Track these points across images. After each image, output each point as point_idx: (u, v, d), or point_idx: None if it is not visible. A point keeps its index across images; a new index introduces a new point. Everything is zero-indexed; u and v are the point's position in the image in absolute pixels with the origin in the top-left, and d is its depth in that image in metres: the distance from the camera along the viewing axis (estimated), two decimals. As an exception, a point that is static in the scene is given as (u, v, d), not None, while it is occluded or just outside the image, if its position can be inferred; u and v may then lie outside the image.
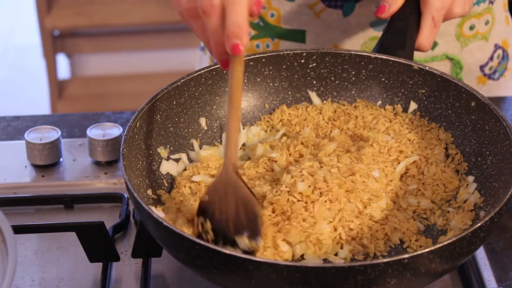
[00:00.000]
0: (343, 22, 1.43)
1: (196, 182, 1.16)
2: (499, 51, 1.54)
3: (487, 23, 1.49)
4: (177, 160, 1.21)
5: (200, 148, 1.23)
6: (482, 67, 1.53)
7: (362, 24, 1.43)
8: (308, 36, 1.46)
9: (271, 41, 1.48)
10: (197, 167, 1.19)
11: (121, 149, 1.09)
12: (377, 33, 1.44)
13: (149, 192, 1.14)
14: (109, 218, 1.25)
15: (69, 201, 1.28)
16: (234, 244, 1.04)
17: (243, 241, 1.04)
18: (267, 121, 1.27)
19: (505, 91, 1.60)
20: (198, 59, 1.69)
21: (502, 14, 1.53)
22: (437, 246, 0.96)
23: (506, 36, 1.55)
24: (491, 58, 1.53)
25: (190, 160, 1.22)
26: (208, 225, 1.05)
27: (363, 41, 1.45)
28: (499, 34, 1.53)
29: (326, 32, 1.44)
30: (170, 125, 1.21)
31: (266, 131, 1.27)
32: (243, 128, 1.27)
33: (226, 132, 1.06)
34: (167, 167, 1.19)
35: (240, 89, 1.06)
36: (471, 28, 1.48)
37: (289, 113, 1.27)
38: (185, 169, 1.20)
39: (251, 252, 1.04)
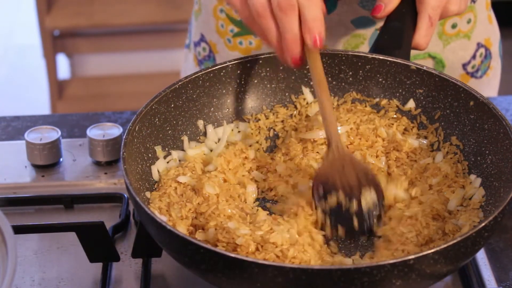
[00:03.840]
0: (325, 20, 1.43)
1: (182, 183, 1.16)
2: (482, 50, 1.54)
3: (469, 21, 1.50)
4: (168, 161, 1.20)
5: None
6: (464, 66, 1.53)
7: (344, 22, 1.43)
8: None
9: (254, 38, 1.48)
10: (183, 167, 1.19)
11: (121, 153, 1.09)
12: (359, 31, 1.44)
13: (148, 194, 1.14)
14: (109, 218, 1.26)
15: (69, 201, 1.29)
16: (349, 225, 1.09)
17: (370, 194, 1.09)
18: (258, 120, 1.27)
19: (488, 90, 1.60)
20: (183, 57, 1.70)
21: (485, 13, 1.53)
22: (442, 246, 0.96)
23: (489, 35, 1.55)
24: (474, 57, 1.54)
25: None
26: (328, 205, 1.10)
27: (345, 39, 1.45)
28: (482, 32, 1.53)
29: None
30: (168, 127, 1.21)
31: (252, 131, 1.27)
32: (232, 123, 1.27)
33: (323, 116, 1.12)
34: (157, 166, 1.19)
35: (324, 76, 1.12)
36: (453, 26, 1.48)
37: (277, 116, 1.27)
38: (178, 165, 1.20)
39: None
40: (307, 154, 1.21)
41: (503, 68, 1.67)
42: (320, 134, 1.21)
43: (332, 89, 1.27)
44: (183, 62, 1.69)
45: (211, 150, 1.23)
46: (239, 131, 1.26)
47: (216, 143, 1.24)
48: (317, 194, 1.11)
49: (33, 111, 3.35)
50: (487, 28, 1.55)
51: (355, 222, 1.10)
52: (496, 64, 1.60)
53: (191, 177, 1.16)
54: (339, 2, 1.42)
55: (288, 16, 1.10)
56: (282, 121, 1.27)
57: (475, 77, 1.56)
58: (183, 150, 1.22)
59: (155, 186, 1.17)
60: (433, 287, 1.13)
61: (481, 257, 1.18)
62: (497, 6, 1.63)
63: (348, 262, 1.07)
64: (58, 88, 3.34)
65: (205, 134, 1.25)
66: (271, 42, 1.13)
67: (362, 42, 1.45)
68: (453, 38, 1.49)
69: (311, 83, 1.27)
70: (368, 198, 1.10)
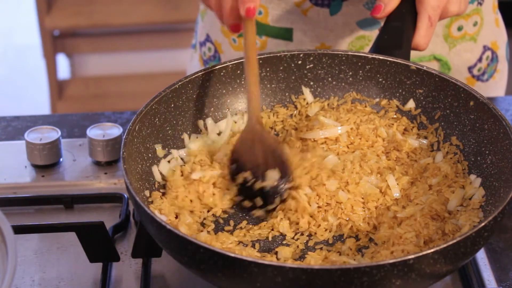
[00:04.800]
0: (330, 21, 1.43)
1: (195, 180, 1.16)
2: (488, 53, 1.54)
3: (475, 24, 1.50)
4: (169, 160, 1.20)
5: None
6: (470, 68, 1.53)
7: (349, 23, 1.43)
8: (295, 34, 1.46)
9: (259, 38, 1.49)
10: (190, 164, 1.19)
11: (121, 152, 1.09)
12: (364, 32, 1.44)
13: (147, 193, 1.14)
14: (109, 218, 1.26)
15: (69, 201, 1.29)
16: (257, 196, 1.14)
17: (275, 174, 1.12)
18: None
19: (495, 93, 1.60)
20: (189, 57, 1.70)
21: (491, 16, 1.53)
22: (442, 246, 0.97)
23: (496, 38, 1.55)
24: (480, 60, 1.53)
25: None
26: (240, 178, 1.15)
27: (350, 40, 1.45)
28: (488, 35, 1.53)
29: (313, 31, 1.45)
30: (168, 127, 1.21)
31: None
32: (236, 115, 1.27)
33: (247, 88, 1.15)
34: (160, 168, 1.19)
35: (254, 47, 1.15)
36: (459, 29, 1.48)
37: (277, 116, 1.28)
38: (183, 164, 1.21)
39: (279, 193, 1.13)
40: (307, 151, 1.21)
41: (509, 69, 1.67)
42: (321, 134, 1.21)
43: (332, 89, 1.28)
44: (189, 63, 1.70)
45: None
46: (243, 122, 1.26)
47: (218, 135, 1.24)
48: (230, 170, 1.16)
49: (33, 111, 3.35)
50: (494, 31, 1.54)
51: (258, 200, 1.14)
52: (502, 67, 1.60)
53: (209, 170, 1.17)
54: (344, 3, 1.42)
55: None
56: (282, 121, 1.27)
57: (481, 80, 1.56)
58: (184, 149, 1.22)
59: (162, 190, 1.17)
60: (433, 287, 1.13)
61: (481, 257, 1.18)
62: (503, 6, 1.62)
63: (351, 262, 1.08)
64: (58, 88, 3.34)
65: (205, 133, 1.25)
66: (213, 10, 1.18)
67: (367, 43, 1.45)
68: (459, 40, 1.49)
69: (312, 83, 1.28)
70: (271, 178, 1.13)
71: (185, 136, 1.23)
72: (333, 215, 1.13)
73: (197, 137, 1.23)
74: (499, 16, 1.57)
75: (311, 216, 1.14)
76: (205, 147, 1.21)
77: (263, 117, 1.27)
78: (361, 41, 1.45)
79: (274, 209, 1.14)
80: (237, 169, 1.15)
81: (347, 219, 1.13)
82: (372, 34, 1.45)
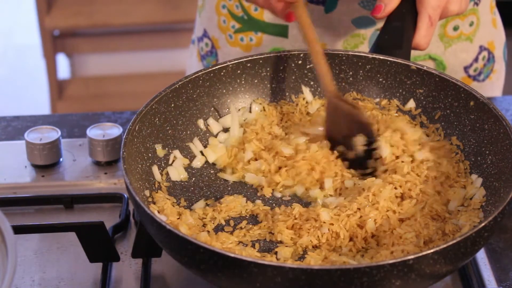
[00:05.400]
0: (325, 19, 1.44)
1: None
2: (485, 53, 1.54)
3: (471, 24, 1.49)
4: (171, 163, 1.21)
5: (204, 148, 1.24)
6: (466, 68, 1.53)
7: (344, 21, 1.44)
8: (290, 31, 1.47)
9: (254, 34, 1.49)
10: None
11: (121, 152, 1.10)
12: (358, 31, 1.44)
13: (147, 193, 1.14)
14: (109, 218, 1.26)
15: (69, 201, 1.29)
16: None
17: (360, 139, 1.17)
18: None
19: (491, 93, 1.60)
20: (189, 53, 1.70)
21: (488, 16, 1.53)
22: (442, 246, 0.97)
23: (493, 38, 1.55)
24: (476, 60, 1.53)
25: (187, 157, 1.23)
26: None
27: (344, 38, 1.45)
28: (485, 35, 1.53)
29: None
30: (168, 127, 1.21)
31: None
32: (239, 110, 1.27)
33: (316, 67, 1.21)
34: (172, 173, 1.19)
35: (311, 27, 1.20)
36: (455, 28, 1.48)
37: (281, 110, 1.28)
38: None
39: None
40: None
41: (506, 69, 1.66)
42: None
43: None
44: (189, 58, 1.70)
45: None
46: (250, 112, 1.27)
47: (224, 132, 1.25)
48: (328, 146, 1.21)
49: (33, 111, 3.35)
50: (491, 31, 1.54)
51: (355, 164, 1.18)
52: (499, 67, 1.60)
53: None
54: (339, 1, 1.42)
55: None
56: (285, 114, 1.27)
57: (477, 81, 1.55)
58: (182, 149, 1.22)
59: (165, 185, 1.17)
60: (433, 287, 1.13)
61: (481, 257, 1.18)
62: (502, 6, 1.62)
63: (351, 262, 1.07)
64: (58, 88, 3.34)
65: (205, 133, 1.25)
66: (264, 8, 1.23)
67: (361, 42, 1.45)
68: (454, 40, 1.49)
69: (312, 83, 1.28)
70: (359, 144, 1.17)
71: (190, 144, 1.23)
72: (345, 227, 1.12)
73: (211, 148, 1.23)
74: (496, 17, 1.57)
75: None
76: (225, 155, 1.22)
77: (269, 111, 1.27)
78: (355, 39, 1.45)
79: (372, 173, 1.17)
80: (332, 146, 1.19)
81: (362, 227, 1.12)
82: (367, 32, 1.45)
